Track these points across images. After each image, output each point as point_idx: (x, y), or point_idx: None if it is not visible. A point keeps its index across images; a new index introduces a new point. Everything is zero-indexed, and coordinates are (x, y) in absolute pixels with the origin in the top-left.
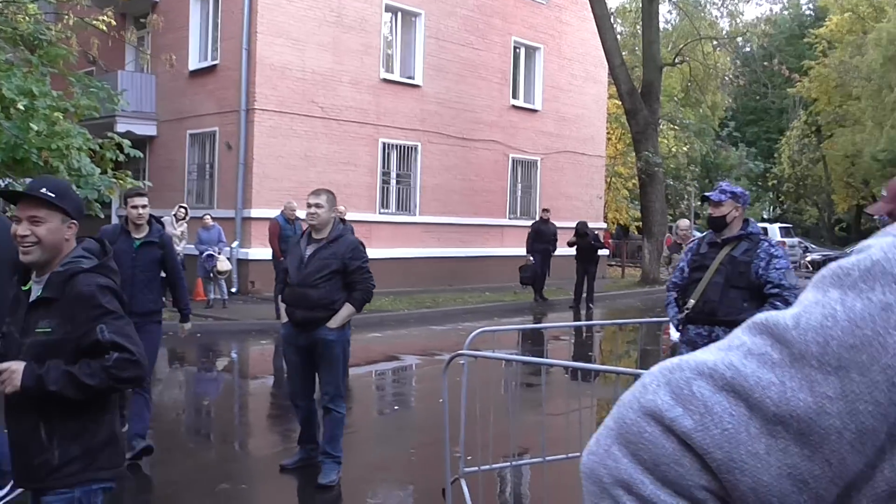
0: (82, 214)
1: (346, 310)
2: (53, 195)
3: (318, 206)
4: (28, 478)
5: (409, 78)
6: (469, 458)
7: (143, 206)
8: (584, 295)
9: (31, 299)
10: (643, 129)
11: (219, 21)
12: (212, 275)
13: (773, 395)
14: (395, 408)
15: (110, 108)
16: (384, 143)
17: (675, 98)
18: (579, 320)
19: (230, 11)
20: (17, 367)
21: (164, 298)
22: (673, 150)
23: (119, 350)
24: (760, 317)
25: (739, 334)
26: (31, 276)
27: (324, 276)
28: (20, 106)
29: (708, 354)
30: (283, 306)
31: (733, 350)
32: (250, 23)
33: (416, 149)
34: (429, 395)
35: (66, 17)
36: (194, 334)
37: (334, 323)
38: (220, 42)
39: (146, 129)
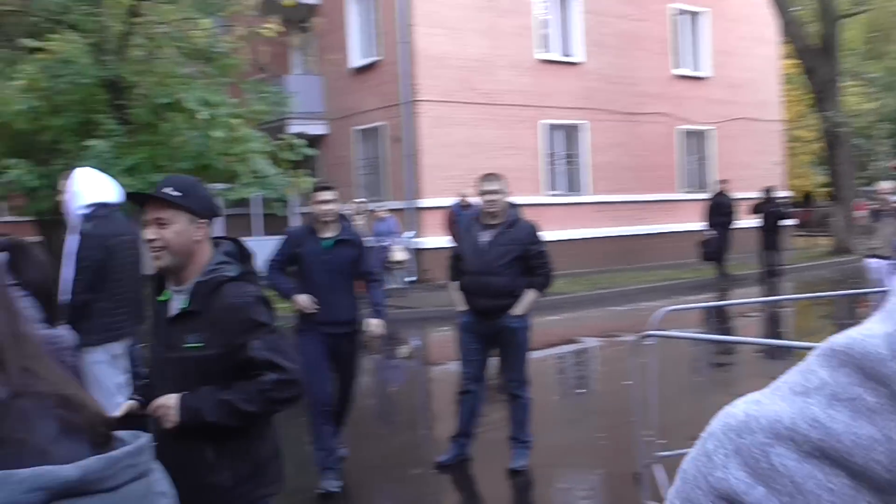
0: (213, 213)
1: (530, 296)
2: (178, 194)
3: (495, 191)
4: (197, 500)
5: (568, 56)
6: (663, 441)
7: (331, 201)
8: (769, 268)
9: (173, 312)
10: (823, 88)
11: (377, 17)
12: (387, 265)
13: (881, 457)
14: (579, 391)
15: (282, 112)
16: (547, 125)
17: (858, 51)
18: (768, 295)
19: (387, 7)
20: (172, 402)
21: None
22: (860, 107)
23: (274, 369)
24: (840, 341)
25: (815, 367)
26: (165, 286)
27: (506, 263)
28: (202, 116)
29: (782, 404)
30: (458, 294)
31: (812, 395)
32: (407, 16)
33: (581, 127)
34: (612, 377)
35: (237, 28)
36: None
37: (519, 310)
38: (379, 38)
39: (317, 128)
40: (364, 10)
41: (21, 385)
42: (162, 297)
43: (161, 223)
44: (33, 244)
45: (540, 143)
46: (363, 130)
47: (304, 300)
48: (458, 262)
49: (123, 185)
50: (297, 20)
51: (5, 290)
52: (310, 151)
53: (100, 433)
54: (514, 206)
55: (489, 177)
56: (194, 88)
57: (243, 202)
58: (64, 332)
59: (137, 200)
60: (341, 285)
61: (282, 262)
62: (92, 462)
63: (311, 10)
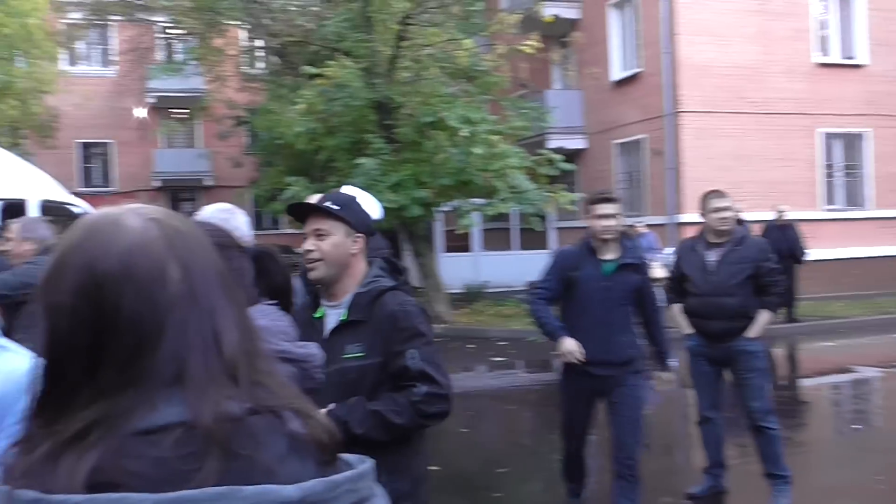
0: (370, 229)
1: (764, 316)
2: (337, 207)
3: (726, 208)
4: None
5: (850, 59)
6: None
7: (613, 216)
8: None
9: (330, 326)
10: None
11: (638, 28)
12: None
13: None
14: (855, 426)
15: (541, 127)
16: (825, 133)
17: None
18: None
19: (649, 17)
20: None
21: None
22: None
23: (427, 381)
24: None
25: None
26: (319, 302)
27: (738, 283)
28: (463, 133)
29: None
30: (683, 317)
31: None
32: (670, 25)
33: (864, 135)
34: (894, 412)
35: (498, 46)
36: None
37: (754, 332)
38: (640, 49)
39: (576, 142)
40: (625, 21)
41: (254, 401)
42: (317, 314)
43: (320, 234)
44: (280, 252)
45: (817, 153)
46: (623, 144)
47: (570, 346)
48: (680, 284)
49: (388, 201)
50: (557, 35)
51: (244, 308)
52: (568, 166)
53: (327, 452)
54: (741, 222)
55: (717, 193)
56: (456, 107)
57: (502, 217)
58: (314, 349)
59: (298, 212)
60: (620, 318)
61: (550, 290)
62: (313, 485)
63: (572, 24)
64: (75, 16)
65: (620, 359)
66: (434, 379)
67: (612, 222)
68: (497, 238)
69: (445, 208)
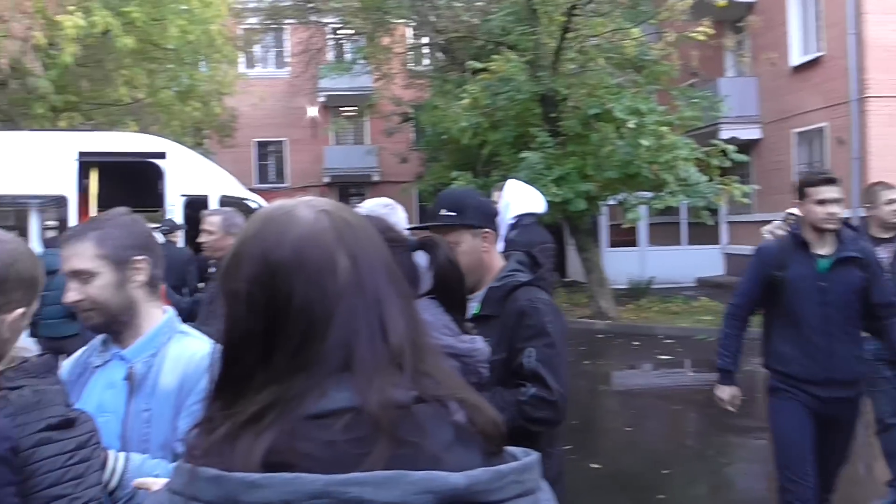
0: (492, 218)
1: None
2: (453, 213)
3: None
4: None
5: None
6: None
7: (836, 201)
8: None
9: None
10: None
11: (819, 9)
12: None
13: None
14: None
15: (713, 117)
16: None
17: None
18: None
19: None
20: None
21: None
22: None
23: (538, 383)
24: None
25: None
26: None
27: None
28: (630, 125)
29: None
30: None
31: None
32: (857, 4)
33: None
34: None
35: (667, 34)
36: None
37: None
38: (822, 31)
39: (750, 132)
40: (806, 2)
41: (420, 390)
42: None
43: (453, 245)
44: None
45: None
46: (802, 133)
47: (724, 395)
48: None
49: (552, 195)
50: (731, 20)
51: (410, 299)
52: (741, 157)
53: (492, 443)
54: None
55: (885, 184)
56: (624, 98)
57: (670, 211)
58: (479, 344)
59: (419, 229)
60: (843, 326)
61: (750, 301)
62: (480, 473)
63: (747, 8)
64: (252, 20)
65: (845, 377)
66: (545, 382)
67: (836, 209)
68: (664, 232)
69: (611, 202)
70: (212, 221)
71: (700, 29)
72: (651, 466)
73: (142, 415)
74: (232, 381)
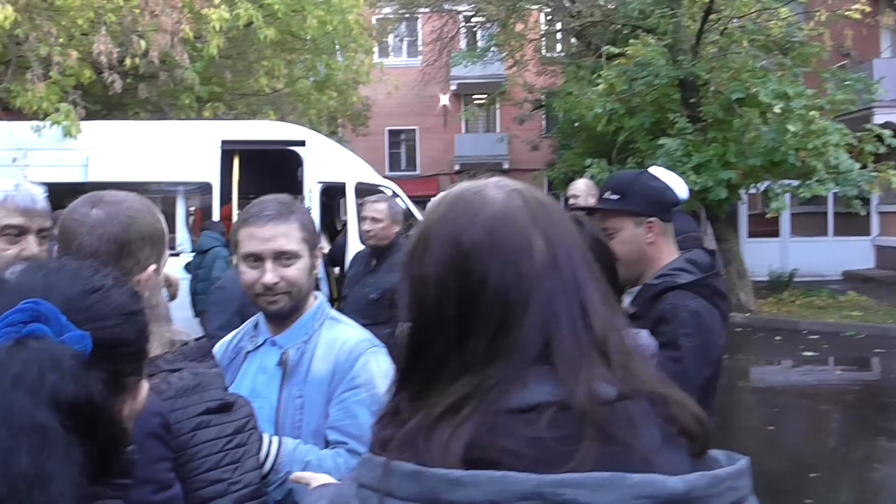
0: (660, 206)
1: None
2: (616, 197)
3: None
4: None
5: None
6: None
7: None
8: None
9: None
10: None
11: None
12: None
13: None
14: None
15: (867, 100)
16: None
17: None
18: None
19: None
20: None
21: None
22: None
23: None
24: None
25: None
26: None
27: None
28: (776, 109)
29: None
30: None
31: None
32: None
33: None
34: None
35: (818, 13)
36: None
37: None
38: None
39: None
40: None
41: (624, 384)
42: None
43: (608, 233)
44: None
45: None
46: None
47: None
48: None
49: (691, 183)
50: None
51: (604, 284)
52: None
53: (697, 443)
54: None
55: None
56: (770, 81)
57: (815, 200)
58: (645, 339)
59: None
60: None
61: None
62: (697, 478)
63: None
64: (386, 10)
65: None
66: None
67: None
68: (808, 223)
69: (752, 190)
70: (378, 209)
71: (855, 7)
72: (796, 468)
73: (295, 401)
74: (421, 370)
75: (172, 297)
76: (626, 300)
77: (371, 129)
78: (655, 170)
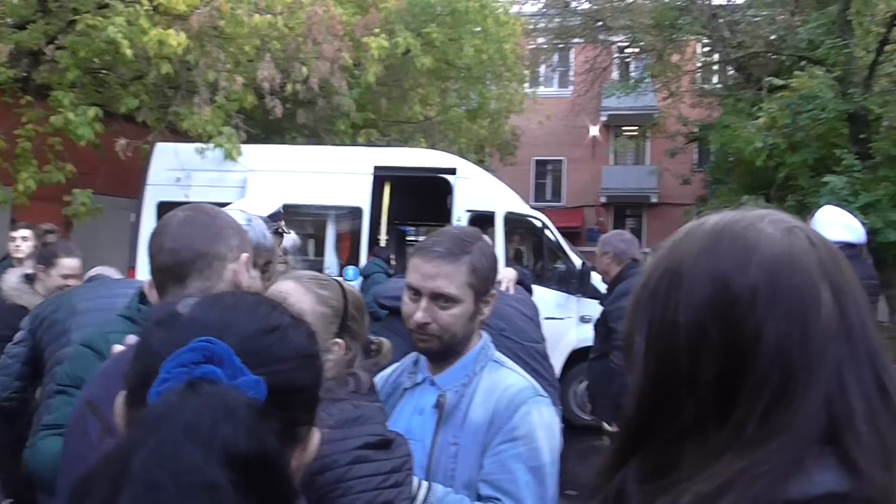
0: None
1: None
2: None
3: None
4: None
5: None
6: None
7: None
8: None
9: None
10: None
11: None
12: None
13: None
14: None
15: None
16: None
17: None
18: None
19: None
20: None
21: None
22: None
23: None
24: None
25: None
26: None
27: None
28: None
29: None
30: None
31: None
32: None
33: None
34: None
35: None
36: None
37: None
38: None
39: None
40: None
41: None
42: None
43: None
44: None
45: None
46: None
47: None
48: None
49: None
50: None
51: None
52: None
53: None
54: None
55: None
56: None
57: None
58: None
59: None
60: None
61: None
62: None
63: None
64: (541, 40)
65: None
66: None
67: None
68: None
69: None
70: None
71: None
72: None
73: (449, 448)
74: (658, 441)
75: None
76: None
77: (518, 159)
78: (829, 209)
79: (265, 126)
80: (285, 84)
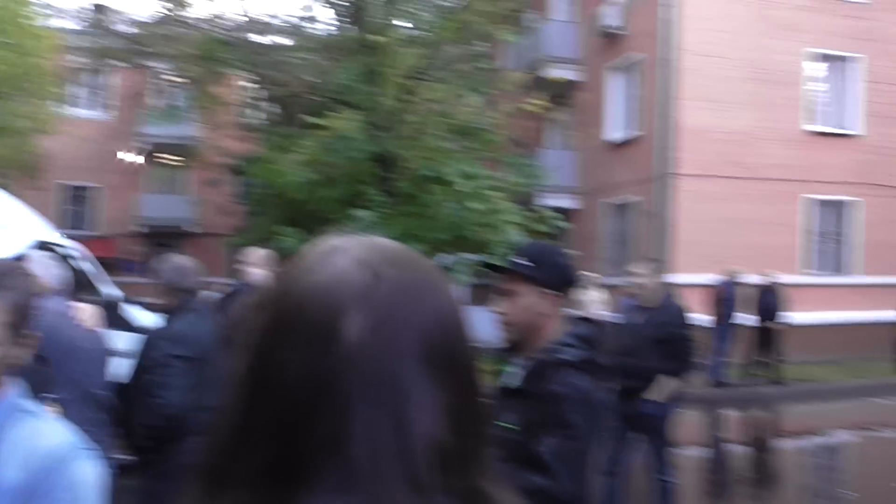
0: (568, 285)
1: None
2: (529, 264)
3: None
4: None
5: (843, 128)
6: None
7: None
8: None
9: (507, 384)
10: None
11: (641, 93)
12: None
13: None
14: (832, 490)
15: (534, 185)
16: (810, 200)
17: None
18: None
19: (650, 83)
20: None
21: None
22: None
23: (548, 477)
24: None
25: None
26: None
27: None
28: (461, 188)
29: None
30: None
31: None
32: (674, 90)
33: (852, 204)
34: (873, 478)
35: (502, 104)
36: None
37: None
38: (642, 113)
39: (568, 202)
40: (628, 85)
41: None
42: (504, 367)
43: (509, 295)
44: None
45: (800, 219)
46: (616, 205)
47: None
48: None
49: None
50: (557, 96)
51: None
52: (562, 224)
53: None
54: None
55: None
56: (456, 162)
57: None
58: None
59: (491, 270)
60: None
61: None
62: None
63: (572, 85)
64: (77, 59)
65: None
66: (556, 477)
67: None
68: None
69: (440, 263)
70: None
71: (535, 101)
72: None
73: None
74: (211, 461)
75: None
76: (516, 374)
77: (49, 183)
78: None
79: None
80: None
